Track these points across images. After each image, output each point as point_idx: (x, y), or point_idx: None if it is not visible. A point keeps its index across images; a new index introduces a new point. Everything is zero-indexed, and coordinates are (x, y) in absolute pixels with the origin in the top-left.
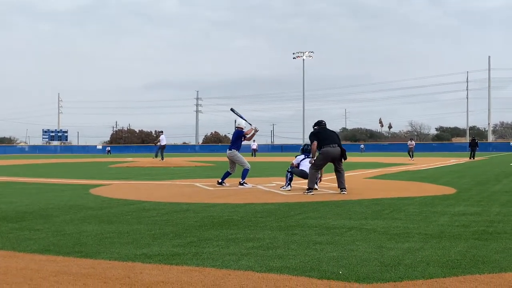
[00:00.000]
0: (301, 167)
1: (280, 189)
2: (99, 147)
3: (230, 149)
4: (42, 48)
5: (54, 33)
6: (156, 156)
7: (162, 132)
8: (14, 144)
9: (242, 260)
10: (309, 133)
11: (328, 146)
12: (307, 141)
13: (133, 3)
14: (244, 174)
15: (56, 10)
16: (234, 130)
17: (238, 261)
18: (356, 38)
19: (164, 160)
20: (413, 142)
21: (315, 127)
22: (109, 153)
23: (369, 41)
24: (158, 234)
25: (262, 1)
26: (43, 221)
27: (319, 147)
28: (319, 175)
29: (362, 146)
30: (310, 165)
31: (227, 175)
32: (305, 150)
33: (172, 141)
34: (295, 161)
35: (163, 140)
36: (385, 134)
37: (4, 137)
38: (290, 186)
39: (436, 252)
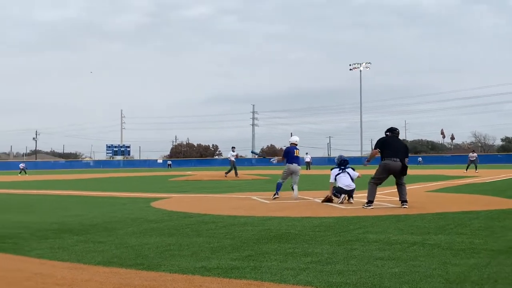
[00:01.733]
0: (338, 183)
1: (338, 204)
2: (160, 161)
3: (291, 163)
4: (106, 66)
5: (117, 52)
6: (236, 174)
7: (233, 148)
8: (80, 159)
9: (300, 275)
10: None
11: (389, 159)
12: (365, 153)
13: (193, 20)
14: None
15: (119, 30)
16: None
17: (296, 276)
18: (414, 47)
19: (227, 176)
20: (475, 154)
21: (387, 133)
22: (169, 167)
23: (428, 50)
24: (217, 247)
25: (317, 14)
26: (107, 233)
27: (381, 157)
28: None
29: (420, 159)
30: (347, 182)
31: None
32: (341, 164)
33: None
34: (331, 177)
35: (232, 156)
36: (447, 145)
37: (71, 153)
38: (351, 198)
39: (504, 268)
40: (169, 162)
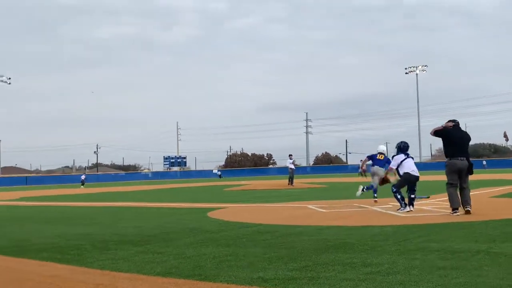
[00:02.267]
0: (402, 169)
1: (397, 211)
2: (215, 171)
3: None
4: (161, 79)
5: (171, 65)
6: (291, 182)
7: (290, 155)
8: (139, 171)
9: (360, 286)
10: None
11: (455, 158)
12: (424, 158)
13: (242, 30)
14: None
15: (173, 43)
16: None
17: (355, 287)
18: (472, 48)
19: (293, 185)
20: None
21: (450, 122)
22: (220, 177)
23: (487, 51)
24: (273, 258)
25: (369, 17)
26: (165, 244)
27: (446, 154)
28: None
29: (484, 162)
30: (414, 167)
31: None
32: (403, 148)
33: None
34: (393, 163)
35: (291, 164)
36: (511, 148)
37: (130, 165)
38: (408, 207)
39: None
40: (219, 173)
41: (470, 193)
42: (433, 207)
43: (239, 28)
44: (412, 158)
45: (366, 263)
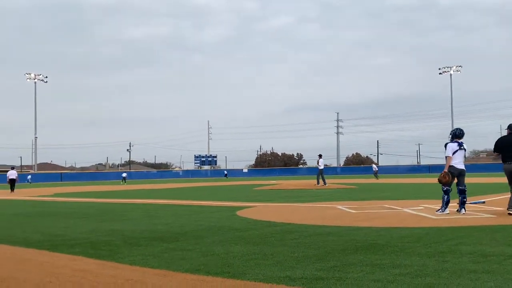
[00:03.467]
0: (454, 161)
1: (436, 212)
2: (245, 170)
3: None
4: (193, 79)
5: (204, 65)
6: (318, 182)
7: (320, 155)
8: (170, 169)
9: None
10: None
11: (506, 163)
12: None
13: (275, 30)
14: None
15: (205, 43)
16: None
17: None
18: (507, 48)
19: (326, 184)
20: None
21: (507, 130)
22: (226, 177)
23: None
24: (301, 257)
25: (403, 17)
26: (194, 241)
27: (502, 159)
28: None
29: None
30: (460, 158)
31: None
32: (457, 135)
33: (312, 163)
34: (448, 150)
35: (321, 164)
36: None
37: (161, 163)
38: (447, 209)
39: None
40: (225, 172)
41: (503, 197)
42: (473, 210)
43: (271, 28)
44: (465, 149)
45: (395, 264)
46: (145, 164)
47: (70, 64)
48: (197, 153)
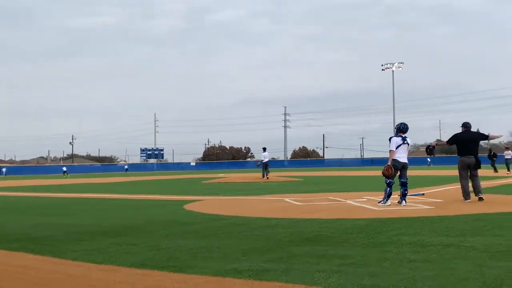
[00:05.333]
0: (397, 155)
1: (378, 204)
2: (193, 164)
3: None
4: (140, 70)
5: (150, 56)
6: (264, 175)
7: (264, 148)
8: (115, 163)
9: (332, 278)
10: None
11: (465, 156)
12: None
13: (225, 23)
14: None
15: (152, 34)
16: None
17: (328, 278)
18: (448, 46)
19: (267, 177)
20: (510, 152)
21: (462, 127)
22: (126, 171)
23: (464, 49)
24: (248, 249)
25: (350, 14)
26: (140, 235)
27: (458, 153)
28: None
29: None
30: (404, 152)
31: None
32: (401, 130)
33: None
34: (392, 144)
35: (266, 157)
36: (483, 145)
37: (106, 156)
38: (389, 201)
39: None
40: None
41: (442, 189)
42: (413, 201)
43: (222, 21)
44: (408, 143)
45: (339, 255)
46: (89, 158)
47: (9, 53)
48: (143, 146)
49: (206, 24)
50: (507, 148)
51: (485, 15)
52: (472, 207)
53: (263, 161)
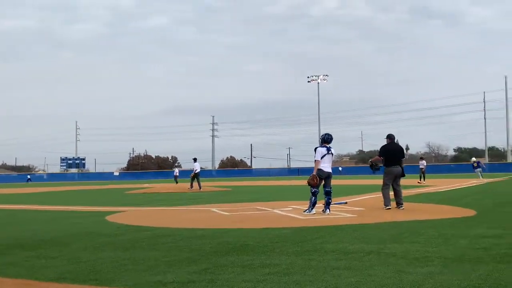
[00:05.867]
0: (322, 164)
1: (303, 213)
2: (116, 173)
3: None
4: (61, 76)
5: (73, 62)
6: (192, 185)
7: (195, 159)
8: (33, 172)
9: (258, 287)
10: (381, 145)
11: (392, 166)
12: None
13: (151, 31)
14: None
15: (76, 39)
16: None
17: None
18: (371, 61)
19: (201, 188)
20: (424, 162)
21: (387, 139)
22: (29, 181)
23: (384, 64)
24: (173, 261)
25: (278, 26)
26: (60, 248)
27: (384, 164)
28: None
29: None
30: (328, 162)
31: None
32: (326, 140)
33: (188, 166)
34: (318, 155)
35: (197, 167)
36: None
37: (23, 165)
38: (314, 210)
39: (456, 276)
40: (29, 177)
41: (361, 198)
42: (337, 210)
43: (148, 28)
44: (333, 153)
45: (264, 264)
46: (4, 167)
47: None
48: (63, 155)
49: (131, 30)
50: (421, 158)
51: (405, 31)
52: (392, 215)
53: (196, 171)
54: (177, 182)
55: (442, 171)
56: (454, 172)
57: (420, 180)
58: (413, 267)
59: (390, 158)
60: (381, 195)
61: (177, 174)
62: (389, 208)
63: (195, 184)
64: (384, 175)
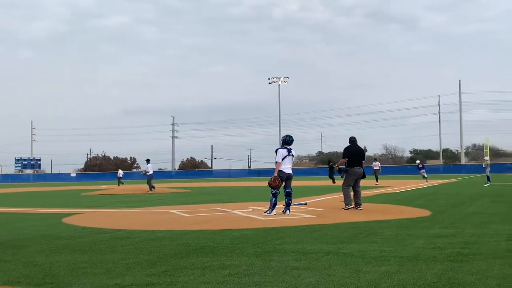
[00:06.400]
0: (282, 166)
1: (264, 214)
2: (73, 175)
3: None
4: (16, 75)
5: (29, 61)
6: (151, 187)
7: (148, 160)
8: None
9: None
10: (344, 148)
11: (355, 167)
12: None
13: (112, 30)
14: None
15: (31, 38)
16: None
17: None
18: (332, 64)
19: (154, 189)
20: (378, 163)
21: (350, 142)
22: None
23: (345, 66)
24: (132, 264)
25: (240, 27)
26: (14, 252)
27: (348, 164)
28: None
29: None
30: (289, 164)
31: None
32: (287, 142)
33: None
34: (279, 156)
35: (150, 169)
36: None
37: None
38: (274, 211)
39: (412, 275)
40: None
41: (319, 199)
42: (297, 211)
43: (107, 27)
44: (293, 155)
45: (224, 265)
46: None
47: None
48: (18, 156)
49: (90, 30)
50: (375, 160)
51: (364, 35)
52: (350, 215)
53: (149, 173)
54: (119, 184)
55: (398, 172)
56: (410, 173)
57: (378, 182)
58: (370, 267)
59: (354, 159)
60: (341, 195)
61: (121, 175)
62: (351, 207)
63: (154, 185)
64: (347, 175)
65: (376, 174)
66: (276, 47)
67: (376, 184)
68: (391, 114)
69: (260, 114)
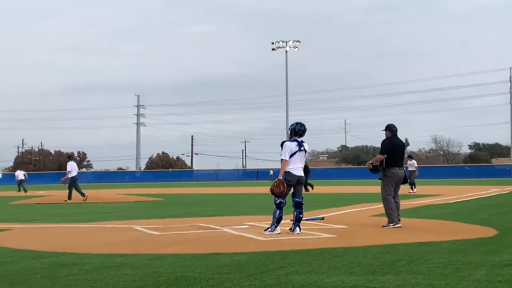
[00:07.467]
0: (290, 165)
1: (264, 232)
2: None
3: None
4: None
5: None
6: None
7: (70, 156)
8: None
9: None
10: (383, 140)
11: (397, 168)
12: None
13: None
14: None
15: None
16: None
17: None
18: (361, 23)
19: (70, 200)
20: (414, 162)
21: (387, 132)
22: None
23: (379, 27)
24: None
25: None
26: None
27: (387, 164)
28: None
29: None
30: (300, 163)
31: None
32: (297, 132)
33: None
34: (285, 152)
35: (73, 170)
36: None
37: None
38: (279, 228)
39: None
40: None
41: (344, 212)
42: (310, 228)
43: None
44: (306, 150)
45: None
46: None
47: None
48: None
49: None
50: (410, 157)
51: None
52: (384, 235)
53: (72, 175)
54: (19, 190)
55: (452, 176)
56: (469, 177)
57: (413, 189)
58: None
59: (396, 157)
60: (374, 206)
61: (24, 178)
62: (399, 227)
63: (75, 192)
64: (386, 179)
65: (412, 177)
66: (281, 1)
67: (411, 192)
68: (442, 94)
69: (260, 93)
